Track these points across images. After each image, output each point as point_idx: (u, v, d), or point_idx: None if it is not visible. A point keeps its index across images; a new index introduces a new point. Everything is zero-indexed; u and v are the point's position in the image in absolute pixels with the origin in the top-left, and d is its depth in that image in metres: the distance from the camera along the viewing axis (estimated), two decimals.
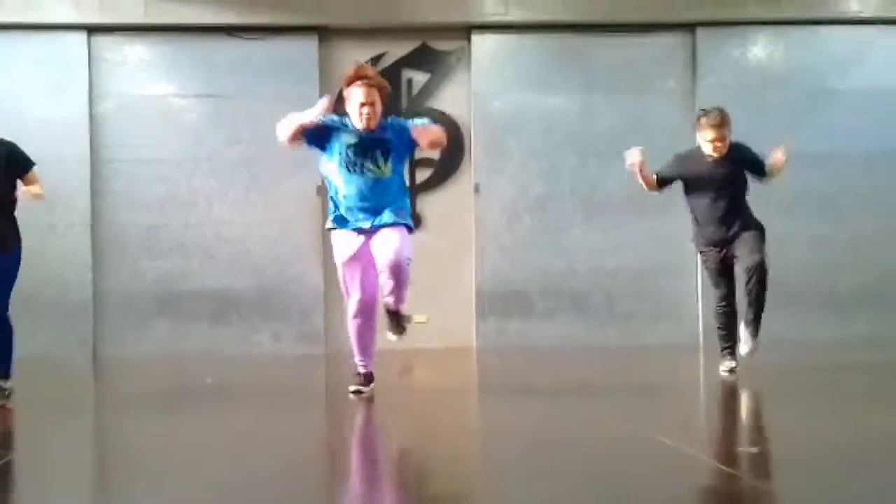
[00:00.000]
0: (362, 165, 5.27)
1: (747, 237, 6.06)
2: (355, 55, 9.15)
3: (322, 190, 8.97)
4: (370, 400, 5.92)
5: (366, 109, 5.20)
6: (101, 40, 8.90)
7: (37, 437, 4.88)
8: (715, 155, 6.06)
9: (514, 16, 9.02)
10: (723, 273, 6.20)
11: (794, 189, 8.18)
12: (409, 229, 5.41)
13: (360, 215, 5.33)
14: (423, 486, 3.60)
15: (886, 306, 8.80)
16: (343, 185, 5.34)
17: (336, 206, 5.42)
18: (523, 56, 9.18)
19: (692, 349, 8.63)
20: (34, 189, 5.42)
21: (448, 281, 8.96)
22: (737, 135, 8.93)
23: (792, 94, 8.99)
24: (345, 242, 5.38)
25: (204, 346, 8.74)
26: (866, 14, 9.13)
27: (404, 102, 9.15)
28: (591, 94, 9.14)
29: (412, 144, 5.39)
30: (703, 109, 6.23)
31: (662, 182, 6.22)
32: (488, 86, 9.05)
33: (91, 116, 8.80)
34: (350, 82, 5.28)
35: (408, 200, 5.56)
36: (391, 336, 5.61)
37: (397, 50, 9.18)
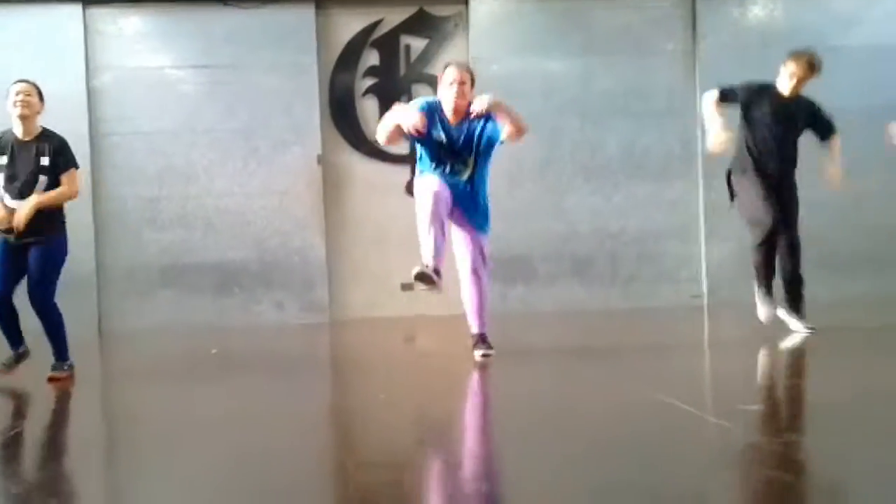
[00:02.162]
0: (452, 166, 5.54)
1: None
2: (353, 22, 9.11)
3: (322, 159, 8.97)
4: (376, 368, 5.93)
5: (455, 87, 5.49)
6: (97, 12, 8.82)
7: (45, 408, 4.90)
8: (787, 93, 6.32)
9: None
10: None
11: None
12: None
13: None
14: (431, 452, 3.62)
15: (889, 265, 8.77)
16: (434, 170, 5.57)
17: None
18: (522, 20, 9.11)
19: (695, 311, 8.64)
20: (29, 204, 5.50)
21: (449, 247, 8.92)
22: None
23: None
24: (433, 181, 5.44)
25: (207, 317, 8.75)
26: None
27: (402, 69, 9.10)
28: (591, 58, 9.09)
29: (495, 136, 5.55)
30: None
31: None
32: (487, 51, 8.98)
33: (88, 90, 8.75)
34: (444, 68, 5.66)
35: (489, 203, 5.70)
36: (480, 355, 5.57)
37: (394, 16, 9.11)
